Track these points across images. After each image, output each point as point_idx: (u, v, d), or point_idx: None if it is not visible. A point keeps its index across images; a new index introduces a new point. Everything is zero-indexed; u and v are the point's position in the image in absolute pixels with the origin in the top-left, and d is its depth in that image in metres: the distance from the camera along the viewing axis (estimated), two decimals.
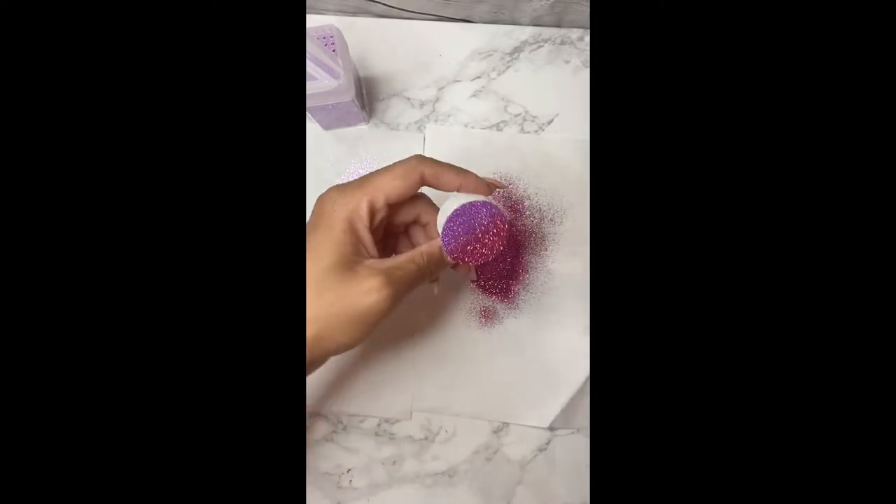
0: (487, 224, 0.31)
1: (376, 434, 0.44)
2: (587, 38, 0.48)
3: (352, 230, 0.30)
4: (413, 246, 0.36)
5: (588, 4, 0.44)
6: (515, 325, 0.44)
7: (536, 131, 0.47)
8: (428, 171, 0.32)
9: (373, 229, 0.31)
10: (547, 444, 0.43)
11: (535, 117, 0.47)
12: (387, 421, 0.44)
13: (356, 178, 0.32)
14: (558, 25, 0.48)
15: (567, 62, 0.47)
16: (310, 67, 0.36)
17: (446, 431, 0.44)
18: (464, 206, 0.31)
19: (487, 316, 0.44)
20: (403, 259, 0.32)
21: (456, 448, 0.43)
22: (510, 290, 0.44)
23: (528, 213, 0.45)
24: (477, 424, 0.44)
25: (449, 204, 0.32)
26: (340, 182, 0.33)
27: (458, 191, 0.33)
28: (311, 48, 0.35)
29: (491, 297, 0.44)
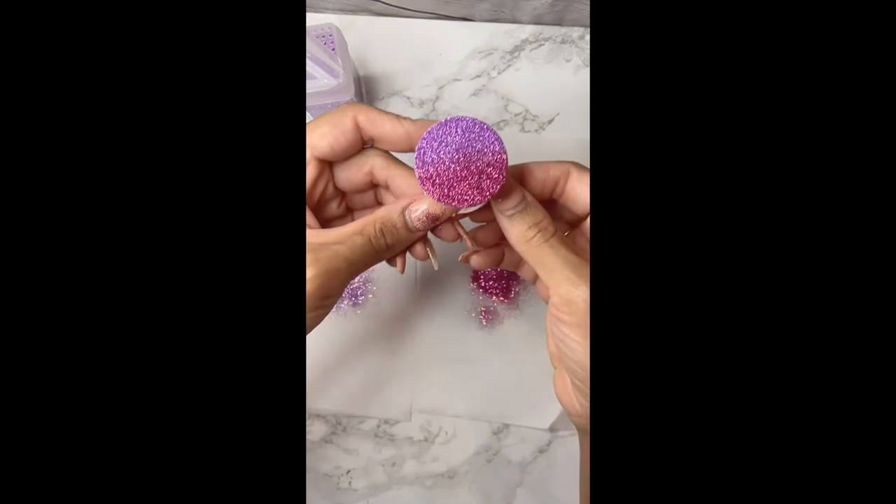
0: (490, 157, 0.23)
1: (376, 435, 0.44)
2: (588, 37, 0.47)
3: None
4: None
5: (589, 2, 0.44)
6: (515, 325, 0.44)
7: (537, 130, 0.47)
8: (363, 115, 0.25)
9: (309, 194, 0.25)
10: (547, 445, 0.43)
11: (535, 116, 0.47)
12: (386, 422, 0.44)
13: None
14: (559, 24, 0.48)
15: (568, 61, 0.47)
16: (309, 66, 0.36)
17: (446, 433, 0.43)
18: (468, 120, 0.22)
19: (487, 316, 0.44)
20: (348, 230, 0.24)
21: (456, 449, 0.43)
22: (510, 290, 0.44)
23: None
24: (477, 426, 0.43)
25: None
26: None
27: (406, 145, 0.25)
28: (310, 47, 0.35)
29: (491, 297, 0.44)
